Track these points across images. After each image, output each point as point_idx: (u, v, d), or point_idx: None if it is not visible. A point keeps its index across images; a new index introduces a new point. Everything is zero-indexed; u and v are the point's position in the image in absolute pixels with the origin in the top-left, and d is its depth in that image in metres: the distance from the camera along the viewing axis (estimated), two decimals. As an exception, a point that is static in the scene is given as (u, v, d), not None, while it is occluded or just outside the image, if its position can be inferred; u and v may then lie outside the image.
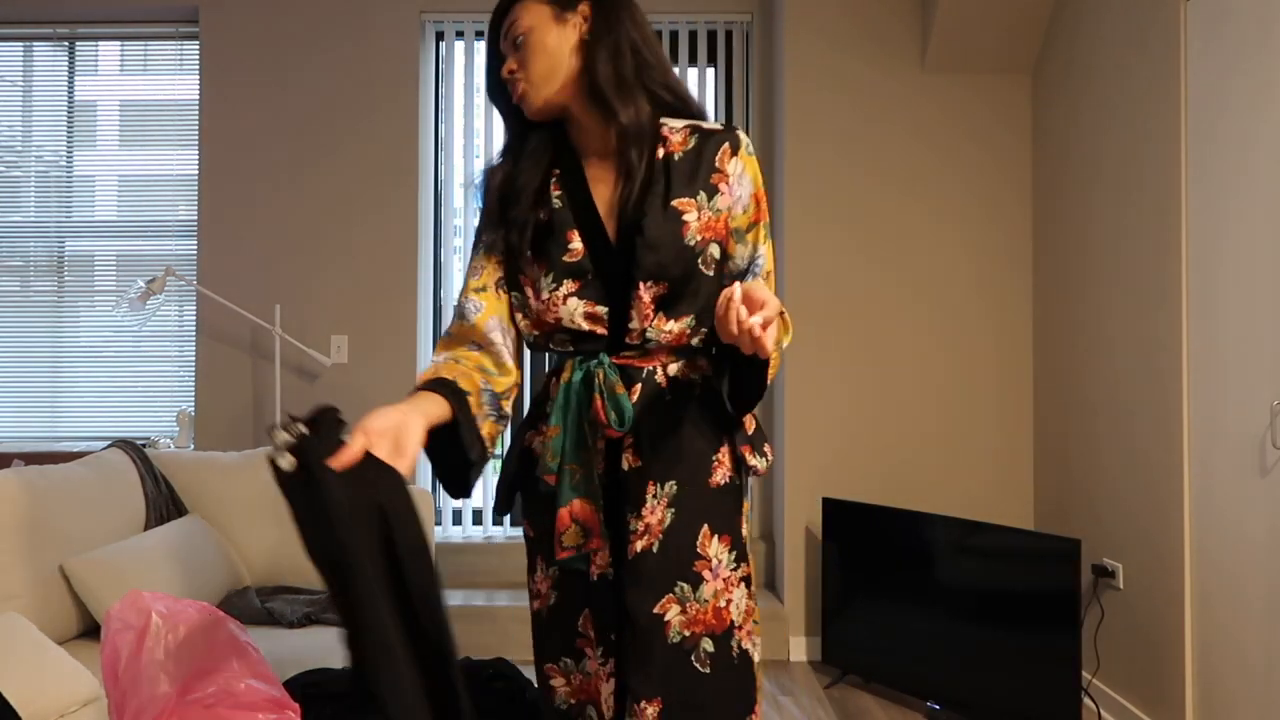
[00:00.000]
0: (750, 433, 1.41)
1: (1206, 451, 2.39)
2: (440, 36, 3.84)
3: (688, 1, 3.73)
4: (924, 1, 3.44)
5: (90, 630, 2.29)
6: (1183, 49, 2.48)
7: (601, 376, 1.32)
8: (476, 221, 1.45)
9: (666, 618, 1.31)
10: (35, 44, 3.90)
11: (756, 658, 1.38)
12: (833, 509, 3.17)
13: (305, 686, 1.92)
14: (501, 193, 1.38)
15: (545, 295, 1.34)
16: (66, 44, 3.90)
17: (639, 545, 1.32)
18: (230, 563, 2.64)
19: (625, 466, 1.33)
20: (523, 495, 1.45)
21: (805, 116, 3.46)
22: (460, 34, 3.82)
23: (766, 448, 1.43)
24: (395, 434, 1.16)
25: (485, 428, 1.33)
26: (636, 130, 1.32)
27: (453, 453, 1.29)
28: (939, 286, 3.46)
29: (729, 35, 3.82)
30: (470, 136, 3.85)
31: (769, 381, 1.31)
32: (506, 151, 1.43)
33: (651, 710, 1.29)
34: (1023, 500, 3.43)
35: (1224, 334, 2.32)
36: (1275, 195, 2.13)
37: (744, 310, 1.11)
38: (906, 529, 2.98)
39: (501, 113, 1.44)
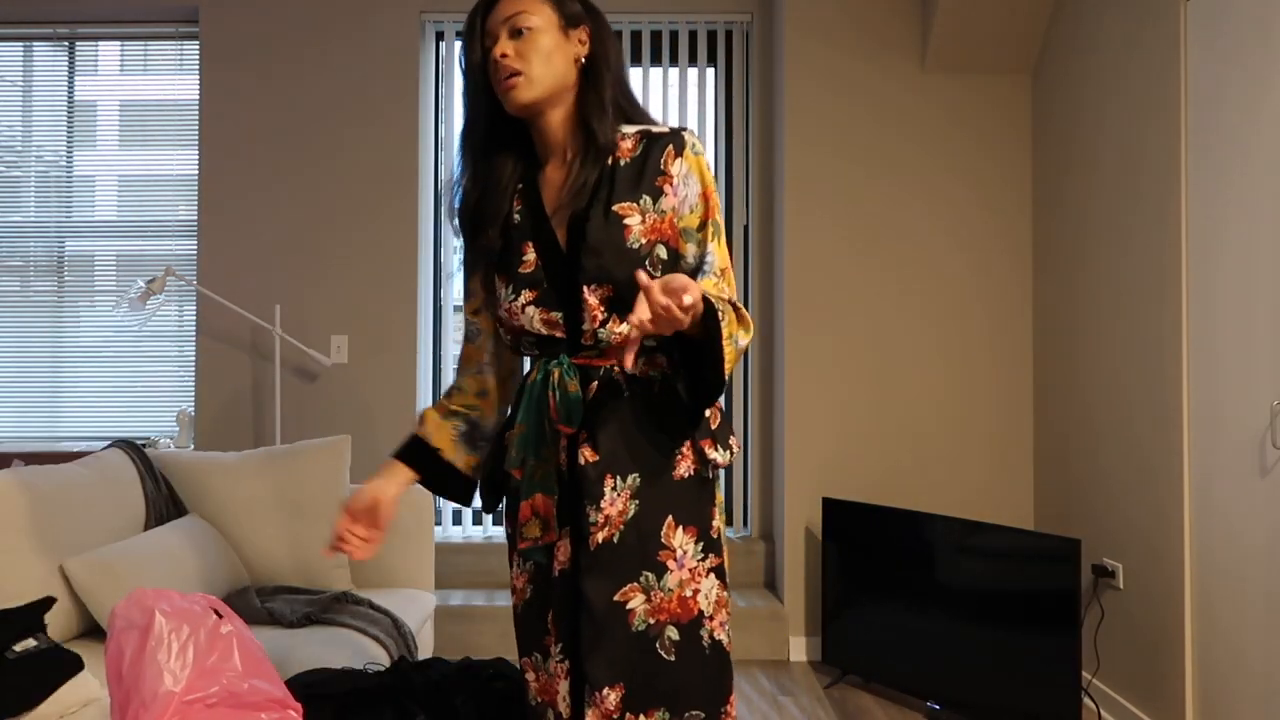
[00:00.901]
0: (714, 427, 1.44)
1: (1206, 451, 2.39)
2: (440, 36, 3.84)
3: (688, 1, 3.73)
4: (924, 1, 3.44)
5: (90, 630, 2.29)
6: (1182, 49, 2.48)
7: (557, 375, 1.38)
8: (458, 241, 1.53)
9: (629, 606, 1.34)
10: (35, 44, 3.90)
11: (730, 648, 1.41)
12: (833, 509, 3.17)
13: (305, 686, 1.92)
14: (472, 223, 1.45)
15: (506, 305, 1.41)
16: (66, 44, 3.90)
17: (599, 537, 1.35)
18: (230, 563, 2.63)
19: (583, 461, 1.37)
20: (505, 495, 1.52)
21: (805, 117, 3.46)
22: (460, 34, 3.81)
23: (732, 441, 1.46)
24: (371, 513, 1.43)
25: (461, 462, 1.51)
26: (608, 151, 1.40)
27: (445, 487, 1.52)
28: (939, 286, 3.46)
29: (729, 35, 3.83)
30: (470, 137, 3.84)
31: (725, 375, 1.32)
32: (473, 171, 1.45)
33: (614, 696, 1.32)
34: (1023, 500, 3.43)
35: (1224, 333, 2.32)
36: (1275, 194, 2.13)
37: (657, 291, 1.15)
38: (906, 529, 2.98)
39: (471, 96, 1.44)
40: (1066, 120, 3.17)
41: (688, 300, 1.15)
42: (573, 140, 1.43)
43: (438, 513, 3.72)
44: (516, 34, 1.38)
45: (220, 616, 1.46)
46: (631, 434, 1.37)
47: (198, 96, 3.73)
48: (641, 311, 1.16)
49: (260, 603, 2.49)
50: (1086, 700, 2.85)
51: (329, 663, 2.14)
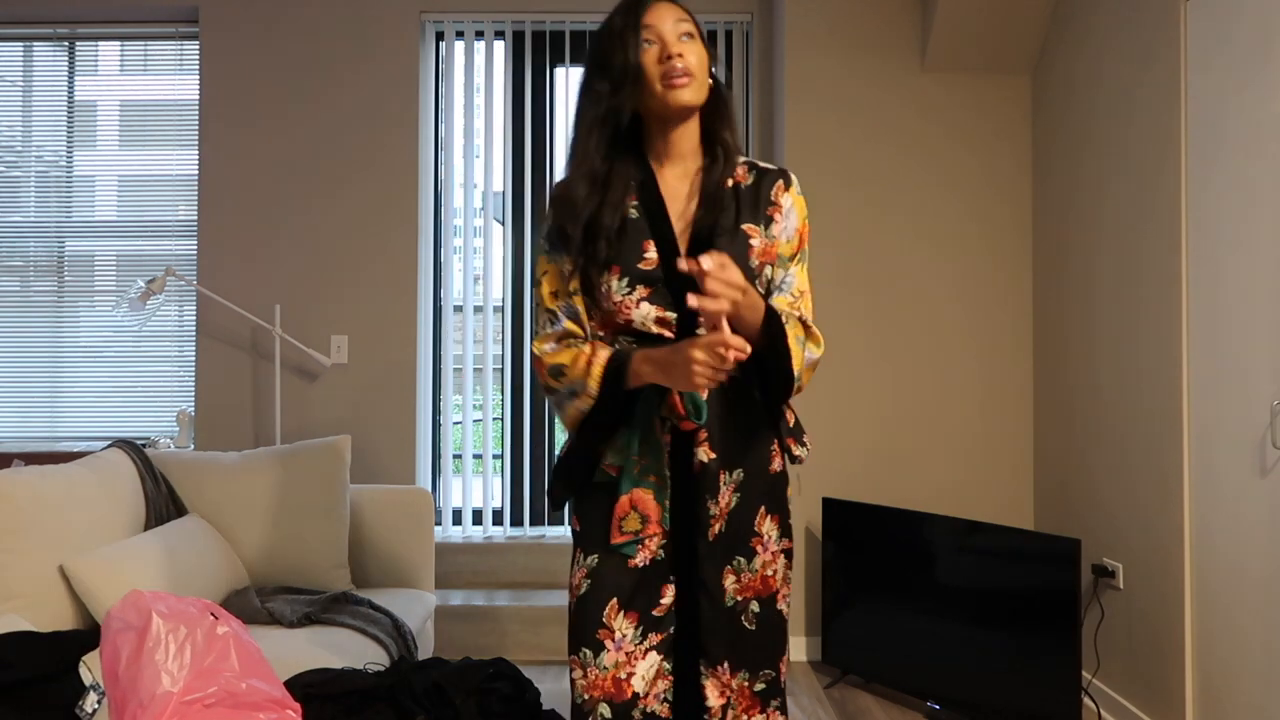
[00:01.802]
0: (792, 425, 1.59)
1: (1206, 451, 2.39)
2: (440, 36, 3.84)
3: (688, 1, 3.72)
4: (924, 1, 3.44)
5: (90, 630, 2.29)
6: (1183, 48, 2.48)
7: None
8: (546, 226, 1.54)
9: (723, 584, 1.51)
10: (35, 44, 3.90)
11: (788, 614, 1.59)
12: (833, 509, 3.17)
13: (305, 686, 1.92)
14: (587, 230, 1.47)
15: (618, 298, 1.47)
16: (66, 44, 3.90)
17: (717, 528, 1.49)
18: (230, 563, 2.64)
19: (704, 459, 1.48)
20: (577, 491, 1.56)
21: (805, 117, 3.46)
22: (460, 34, 3.82)
23: (806, 438, 1.62)
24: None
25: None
26: (736, 158, 1.54)
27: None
28: (939, 287, 3.46)
29: (729, 35, 3.83)
30: (470, 136, 3.84)
31: (794, 373, 1.46)
32: (592, 179, 1.47)
33: (728, 666, 1.49)
34: (1023, 500, 3.43)
35: (1224, 334, 2.32)
36: (1275, 193, 2.13)
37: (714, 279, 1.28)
38: (906, 529, 2.98)
39: (610, 91, 1.47)
40: (1066, 120, 3.17)
41: (734, 276, 1.29)
42: (698, 150, 1.54)
43: (438, 513, 3.72)
44: (683, 39, 1.48)
45: (216, 618, 1.46)
46: (736, 433, 1.51)
47: (198, 96, 3.73)
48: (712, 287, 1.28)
49: (260, 603, 2.49)
50: (1086, 700, 2.85)
51: (329, 663, 2.14)
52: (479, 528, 3.80)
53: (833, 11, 3.46)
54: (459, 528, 3.79)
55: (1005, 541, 2.79)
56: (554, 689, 2.14)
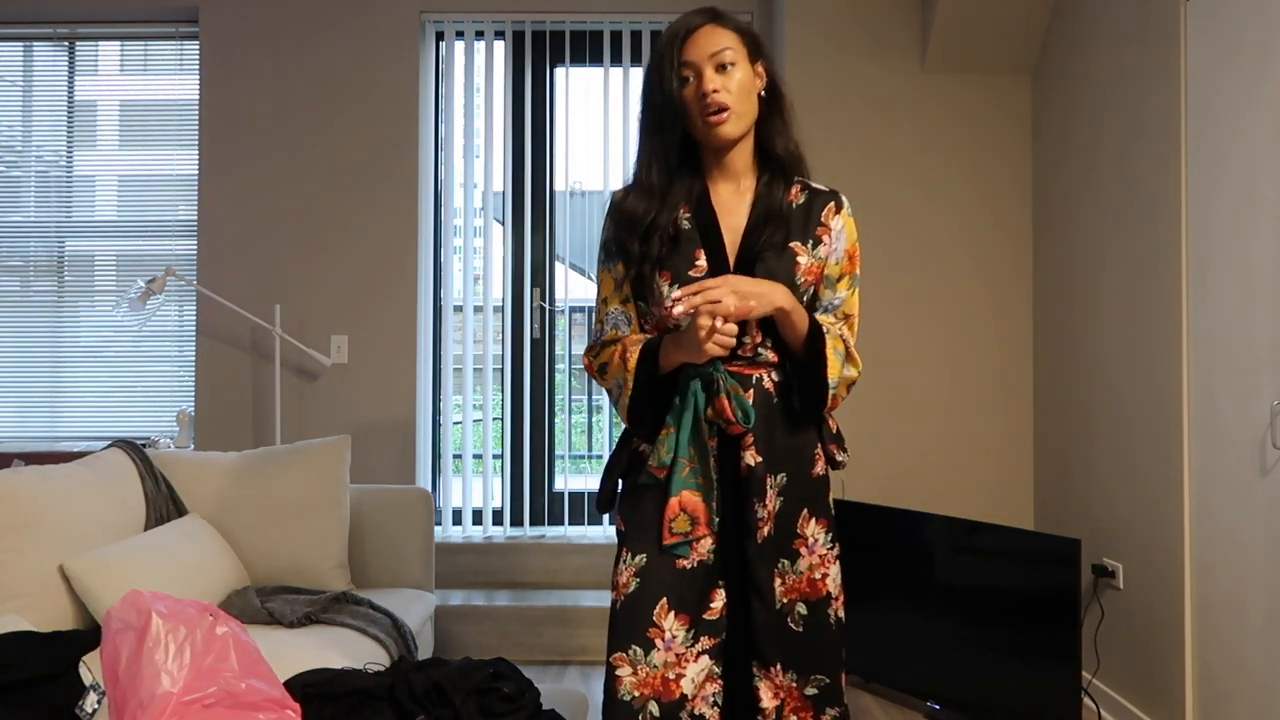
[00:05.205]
0: (834, 432, 1.64)
1: (1206, 451, 2.39)
2: (440, 36, 3.84)
3: (688, 2, 3.72)
4: (924, 1, 3.44)
5: (90, 630, 2.29)
6: (1183, 48, 2.48)
7: (722, 382, 1.48)
8: (604, 236, 1.59)
9: (773, 586, 1.53)
10: (35, 44, 3.90)
11: (844, 625, 1.61)
12: (834, 509, 3.16)
13: (305, 686, 1.92)
14: (644, 236, 1.52)
15: (669, 301, 1.48)
16: (66, 44, 3.90)
17: (765, 530, 1.51)
18: (230, 563, 2.63)
19: (751, 462, 1.50)
20: (621, 492, 1.59)
21: (805, 116, 3.41)
22: (460, 34, 3.81)
23: (845, 446, 1.66)
24: None
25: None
26: (793, 165, 1.57)
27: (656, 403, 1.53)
28: (939, 286, 3.46)
29: (729, 35, 3.82)
30: (470, 136, 3.84)
31: (829, 386, 1.53)
32: (650, 191, 1.52)
33: (780, 668, 1.52)
34: (1023, 500, 3.43)
35: (1224, 333, 2.32)
36: (1275, 193, 2.13)
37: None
38: (906, 529, 2.98)
39: (660, 124, 1.51)
40: (1066, 120, 3.17)
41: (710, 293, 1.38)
42: (751, 167, 1.58)
43: (438, 513, 3.72)
44: (721, 69, 1.47)
45: (214, 619, 1.46)
46: (781, 438, 1.53)
47: (198, 96, 3.73)
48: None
49: (260, 603, 2.49)
50: (1086, 700, 2.85)
51: (329, 663, 2.13)
52: (479, 528, 3.80)
53: (832, 11, 3.46)
54: (459, 528, 3.79)
55: (1005, 541, 2.78)
56: (554, 689, 2.13)
